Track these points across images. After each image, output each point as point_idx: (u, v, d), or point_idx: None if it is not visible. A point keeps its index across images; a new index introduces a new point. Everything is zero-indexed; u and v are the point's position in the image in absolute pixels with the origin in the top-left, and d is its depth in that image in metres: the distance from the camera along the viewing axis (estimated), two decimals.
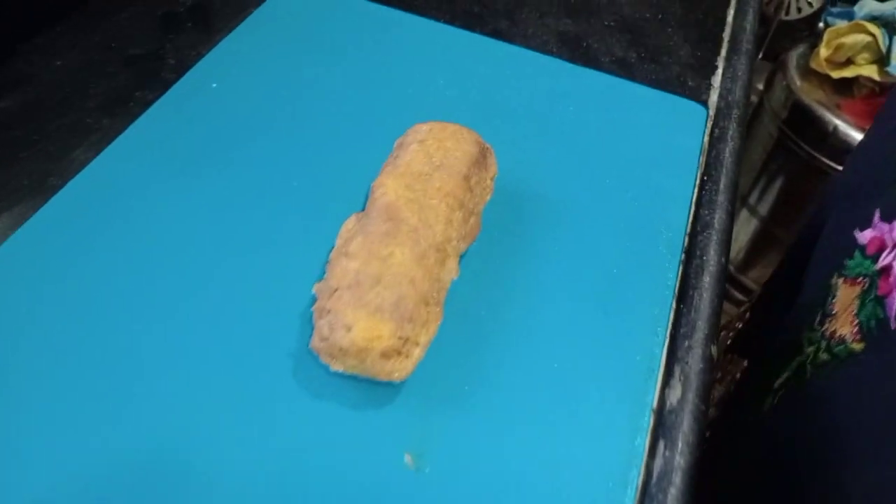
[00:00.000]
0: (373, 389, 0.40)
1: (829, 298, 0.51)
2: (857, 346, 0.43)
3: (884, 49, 1.12)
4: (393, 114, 0.53)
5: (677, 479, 0.38)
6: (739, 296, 1.48)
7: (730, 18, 0.69)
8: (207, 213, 0.46)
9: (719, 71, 0.62)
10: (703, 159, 0.54)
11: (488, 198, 0.47)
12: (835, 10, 1.24)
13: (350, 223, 0.45)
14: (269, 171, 0.49)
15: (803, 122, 1.19)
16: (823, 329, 0.50)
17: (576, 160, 0.51)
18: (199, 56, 0.56)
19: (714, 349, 0.44)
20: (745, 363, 0.77)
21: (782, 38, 1.48)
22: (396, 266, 0.40)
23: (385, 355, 0.38)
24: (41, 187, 0.47)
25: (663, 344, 0.43)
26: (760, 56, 1.51)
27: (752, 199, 1.37)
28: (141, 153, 0.49)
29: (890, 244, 0.44)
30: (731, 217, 0.51)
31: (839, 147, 1.14)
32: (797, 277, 0.61)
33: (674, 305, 0.45)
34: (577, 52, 0.62)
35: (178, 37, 0.58)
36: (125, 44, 0.57)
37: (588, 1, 0.69)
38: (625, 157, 0.52)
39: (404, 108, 0.53)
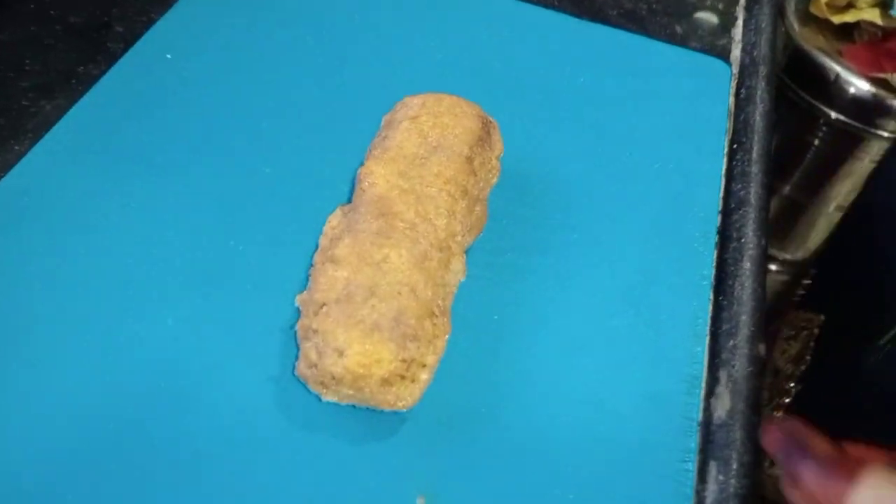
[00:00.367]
0: (374, 420, 0.34)
1: None
2: None
3: None
4: (378, 86, 0.46)
5: None
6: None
7: None
8: (166, 211, 0.40)
9: (739, 22, 0.55)
10: (730, 124, 0.48)
11: (494, 181, 0.40)
12: None
13: (335, 219, 0.38)
14: (237, 156, 0.42)
15: (803, 69, 1.13)
16: None
17: (589, 132, 0.45)
18: (151, 23, 0.49)
19: (762, 347, 0.38)
20: (823, 318, 0.74)
21: None
22: (393, 272, 0.33)
23: (386, 382, 0.32)
24: None
25: (704, 345, 0.38)
26: None
27: None
28: (86, 141, 0.42)
29: None
30: (768, 191, 0.45)
31: (841, 96, 1.08)
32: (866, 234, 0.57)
33: (712, 298, 0.39)
34: (582, 4, 0.55)
35: (125, 1, 0.50)
36: (64, 11, 0.49)
37: None
38: (643, 126, 0.46)
39: (391, 79, 0.47)
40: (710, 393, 0.36)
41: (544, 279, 0.39)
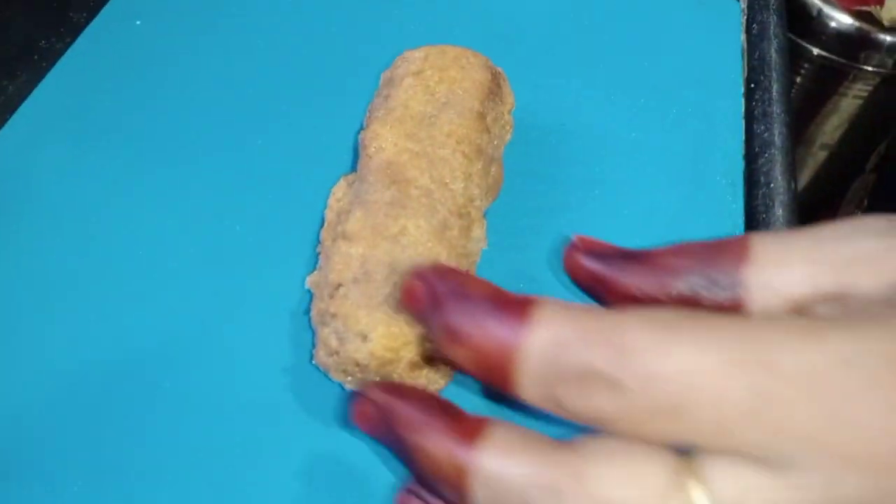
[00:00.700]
0: None
1: None
2: None
3: None
4: (373, 40, 0.43)
5: None
6: None
7: None
8: (154, 191, 0.36)
9: None
10: (745, 63, 0.45)
11: (508, 137, 0.37)
12: None
13: (339, 191, 0.35)
14: (223, 128, 0.39)
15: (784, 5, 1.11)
16: None
17: (599, 79, 0.42)
18: None
19: None
20: None
21: None
22: (413, 246, 0.30)
23: (416, 366, 0.29)
24: None
25: None
26: None
27: None
28: (57, 120, 0.38)
29: None
30: (791, 130, 0.42)
31: (824, 31, 1.06)
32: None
33: None
34: None
35: None
36: None
37: None
38: (655, 71, 0.43)
39: (386, 33, 0.43)
40: None
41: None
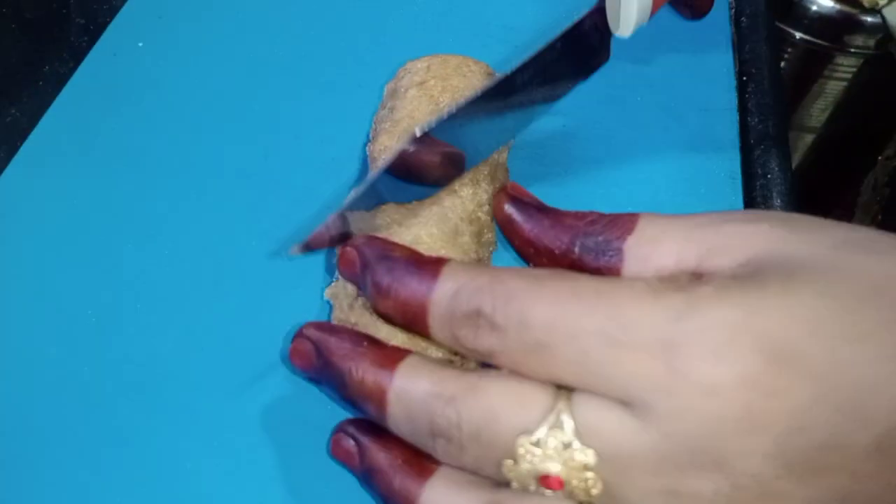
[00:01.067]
0: None
1: None
2: None
3: None
4: (373, 53, 0.43)
5: None
6: None
7: None
8: (167, 211, 0.37)
9: None
10: (736, 56, 0.46)
11: (512, 142, 0.38)
12: None
13: None
14: (231, 145, 0.39)
15: None
16: None
17: (595, 78, 0.42)
18: (114, 10, 0.45)
19: None
20: None
21: None
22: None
23: None
24: None
25: None
26: None
27: None
28: (68, 145, 0.39)
29: None
30: (784, 120, 0.43)
31: (805, 15, 1.07)
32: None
33: None
34: None
35: None
36: (17, 7, 0.45)
37: None
38: (651, 70, 0.44)
39: (386, 45, 0.44)
40: None
41: None
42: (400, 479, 0.26)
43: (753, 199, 0.39)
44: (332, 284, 0.33)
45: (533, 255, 0.29)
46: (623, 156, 0.40)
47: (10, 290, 0.34)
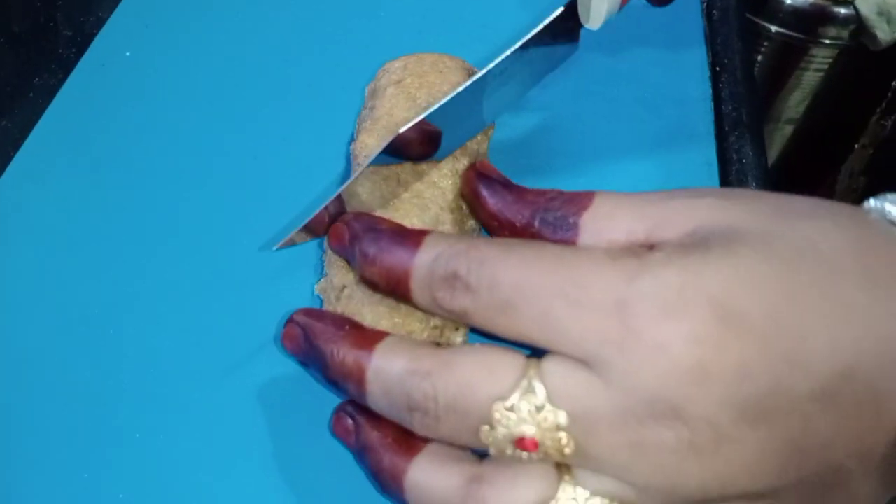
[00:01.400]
0: None
1: None
2: None
3: None
4: (354, 56, 0.44)
5: None
6: None
7: None
8: (159, 214, 0.38)
9: None
10: (709, 48, 0.47)
11: (491, 133, 0.39)
12: None
13: None
14: (220, 150, 0.40)
15: None
16: None
17: (571, 71, 0.44)
18: (101, 21, 0.46)
19: None
20: None
21: None
22: None
23: None
24: None
25: None
26: None
27: None
28: (60, 155, 0.40)
29: None
30: (757, 108, 0.44)
31: (780, 9, 1.08)
32: None
33: None
34: None
35: (66, 1, 0.47)
36: (4, 21, 0.46)
37: None
38: (626, 63, 0.45)
39: (365, 48, 0.45)
40: None
41: None
42: (389, 457, 0.27)
43: (730, 184, 0.41)
44: (321, 281, 0.34)
45: (497, 228, 0.30)
46: (602, 147, 0.41)
47: (7, 294, 0.35)
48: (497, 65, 0.34)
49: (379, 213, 0.33)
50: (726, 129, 0.43)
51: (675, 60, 0.46)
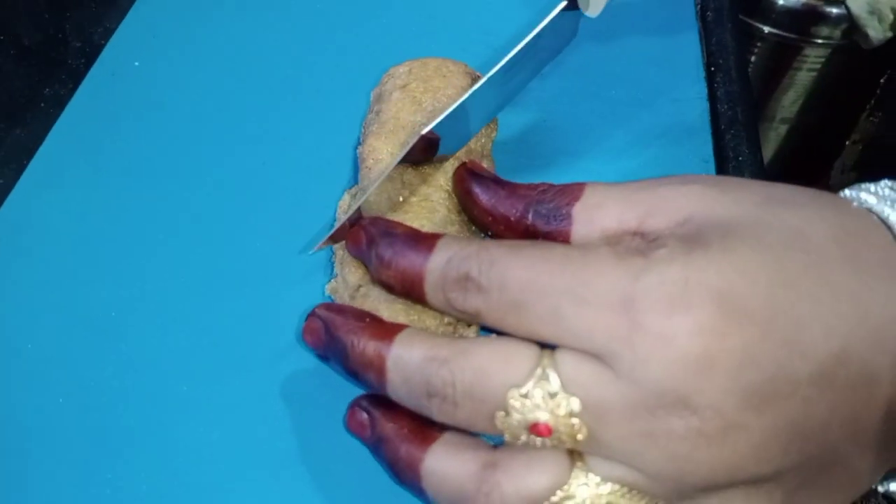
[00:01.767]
0: None
1: None
2: None
3: None
4: (358, 62, 0.45)
5: None
6: None
7: None
8: (171, 221, 0.39)
9: None
10: (703, 48, 0.48)
11: (494, 135, 0.40)
12: None
13: (345, 203, 0.38)
14: (229, 156, 0.41)
15: None
16: None
17: (573, 76, 0.45)
18: (109, 32, 0.47)
19: None
20: None
21: None
22: None
23: None
24: None
25: None
26: None
27: None
28: (71, 165, 0.41)
29: None
30: (752, 107, 0.45)
31: (772, 9, 1.09)
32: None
33: None
34: None
35: (75, 13, 0.48)
36: (14, 34, 0.47)
37: None
38: (622, 64, 0.46)
39: (370, 54, 0.46)
40: None
41: None
42: (405, 447, 0.28)
43: None
44: (332, 281, 0.35)
45: (491, 224, 0.31)
46: (601, 146, 0.42)
47: (23, 300, 0.36)
48: (503, 66, 0.35)
49: (388, 216, 0.34)
50: (722, 127, 0.44)
51: (671, 61, 0.47)
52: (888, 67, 0.92)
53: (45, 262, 0.37)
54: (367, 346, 0.28)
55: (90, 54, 0.45)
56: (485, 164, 0.38)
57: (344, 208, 0.37)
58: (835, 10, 0.93)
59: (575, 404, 0.24)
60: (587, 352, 0.25)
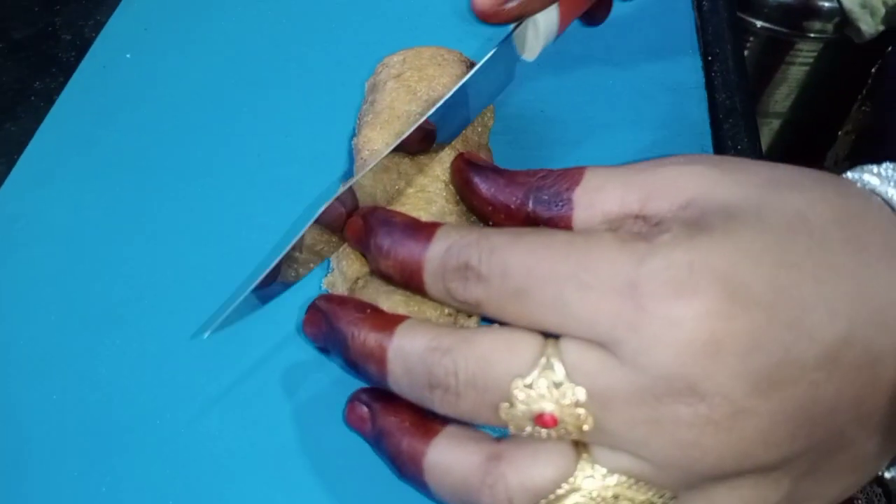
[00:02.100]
0: None
1: None
2: None
3: None
4: (352, 52, 0.45)
5: None
6: None
7: None
8: (165, 212, 0.38)
9: None
10: (700, 38, 0.48)
11: (491, 124, 0.40)
12: None
13: None
14: (223, 148, 0.41)
15: None
16: None
17: (570, 65, 0.45)
18: (100, 25, 0.46)
19: None
20: None
21: None
22: None
23: None
24: None
25: None
26: None
27: None
28: (63, 156, 0.40)
29: None
30: (750, 96, 0.45)
31: (765, 4, 1.09)
32: None
33: None
34: None
35: (65, 6, 0.48)
36: (4, 28, 0.47)
37: None
38: (620, 54, 0.46)
39: (364, 43, 0.45)
40: None
41: None
42: (407, 441, 0.27)
43: None
44: (329, 275, 0.35)
45: (491, 213, 0.31)
46: (600, 137, 0.41)
47: (14, 294, 0.36)
48: (496, 52, 0.34)
49: (385, 207, 0.33)
50: (720, 116, 0.43)
51: (668, 50, 0.46)
52: (879, 58, 0.92)
53: (38, 256, 0.37)
54: (367, 337, 0.28)
55: (81, 47, 0.45)
56: (482, 155, 0.37)
57: None
58: (827, 5, 0.94)
59: (580, 394, 0.24)
60: (591, 339, 0.24)
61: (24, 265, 0.37)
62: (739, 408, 0.23)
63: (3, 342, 0.34)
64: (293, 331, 0.34)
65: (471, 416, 0.26)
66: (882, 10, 0.89)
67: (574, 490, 0.25)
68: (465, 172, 0.32)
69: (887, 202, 0.26)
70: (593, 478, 0.25)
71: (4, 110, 0.42)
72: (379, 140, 0.36)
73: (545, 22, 0.37)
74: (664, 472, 0.24)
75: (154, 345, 0.34)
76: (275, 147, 0.40)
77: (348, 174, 0.39)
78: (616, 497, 0.25)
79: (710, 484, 0.24)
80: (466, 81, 0.34)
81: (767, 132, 1.10)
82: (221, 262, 0.36)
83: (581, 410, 0.24)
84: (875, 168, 0.27)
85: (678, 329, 0.23)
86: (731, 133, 0.43)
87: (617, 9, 0.48)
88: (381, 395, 0.29)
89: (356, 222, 0.31)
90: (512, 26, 0.37)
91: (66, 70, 0.44)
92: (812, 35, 0.97)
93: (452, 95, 0.34)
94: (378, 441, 0.28)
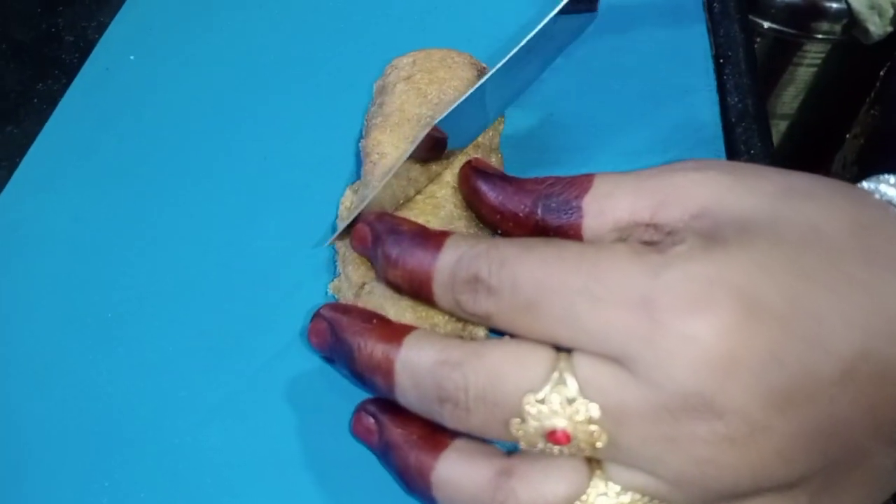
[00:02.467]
0: None
1: None
2: None
3: None
4: (360, 54, 0.44)
5: None
6: None
7: None
8: (168, 217, 0.38)
9: None
10: (712, 41, 0.47)
11: (502, 127, 0.39)
12: None
13: (347, 200, 0.37)
14: (228, 151, 0.40)
15: None
16: None
17: (577, 67, 0.44)
18: (103, 26, 0.45)
19: None
20: None
21: None
22: None
23: None
24: None
25: None
26: None
27: None
28: (65, 160, 0.40)
29: None
30: (763, 101, 0.45)
31: (772, 4, 1.09)
32: None
33: None
34: None
35: (68, 8, 0.47)
36: (7, 30, 0.46)
37: None
38: (630, 57, 0.45)
39: (371, 45, 0.44)
40: None
41: None
42: (415, 454, 0.27)
43: None
44: (335, 279, 0.34)
45: (500, 221, 0.30)
46: (609, 141, 0.41)
47: (16, 299, 0.35)
48: (512, 57, 0.34)
49: (393, 213, 0.33)
50: (733, 120, 0.43)
51: (679, 54, 0.46)
52: (887, 60, 0.91)
53: (39, 260, 0.36)
54: (374, 348, 0.27)
55: (84, 49, 0.44)
56: (493, 159, 0.37)
57: (346, 205, 0.36)
58: (835, 6, 0.93)
59: (594, 410, 0.23)
60: (604, 354, 0.24)
61: (25, 270, 0.36)
62: (756, 425, 0.22)
63: (3, 348, 0.34)
64: (297, 337, 0.34)
65: (481, 432, 0.25)
66: (890, 12, 0.88)
67: None
68: (471, 180, 0.31)
69: None
70: (606, 495, 0.24)
71: (6, 113, 0.41)
72: (388, 143, 0.35)
73: None
74: (679, 491, 0.24)
75: (156, 353, 0.33)
76: (280, 150, 0.40)
77: (355, 178, 0.38)
78: None
79: (725, 503, 0.24)
80: (483, 84, 0.34)
81: (775, 134, 1.10)
82: (225, 269, 0.36)
83: (594, 427, 0.23)
84: (892, 178, 0.26)
85: (695, 344, 0.22)
86: (744, 137, 0.42)
87: (627, 13, 0.47)
88: (388, 405, 0.28)
89: (363, 230, 0.31)
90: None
91: (69, 72, 0.43)
92: (820, 36, 0.97)
93: (467, 99, 0.34)
94: (385, 454, 0.28)
